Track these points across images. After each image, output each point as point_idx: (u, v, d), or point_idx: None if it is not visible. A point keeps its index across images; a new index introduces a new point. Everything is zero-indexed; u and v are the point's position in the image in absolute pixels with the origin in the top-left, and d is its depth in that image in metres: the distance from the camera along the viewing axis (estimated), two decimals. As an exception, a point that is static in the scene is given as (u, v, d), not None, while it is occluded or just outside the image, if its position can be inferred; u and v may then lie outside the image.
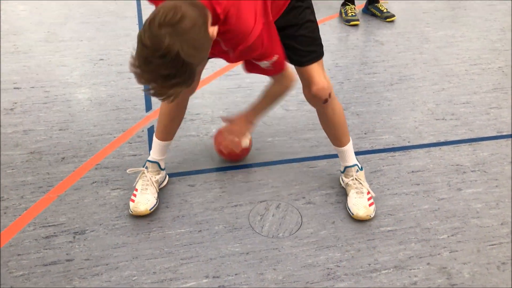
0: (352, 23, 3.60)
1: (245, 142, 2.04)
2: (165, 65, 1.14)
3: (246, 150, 2.13)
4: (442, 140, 2.39)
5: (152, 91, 1.23)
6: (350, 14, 3.62)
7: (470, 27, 3.66)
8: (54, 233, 1.79)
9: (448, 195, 2.04)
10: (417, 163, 2.22)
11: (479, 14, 3.90)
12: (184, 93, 1.80)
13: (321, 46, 1.68)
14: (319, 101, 1.72)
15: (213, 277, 1.64)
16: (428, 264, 1.71)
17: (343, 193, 2.01)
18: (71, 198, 1.95)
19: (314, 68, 1.63)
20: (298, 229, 1.85)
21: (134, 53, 1.19)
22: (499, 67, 3.10)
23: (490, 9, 4.00)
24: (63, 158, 2.18)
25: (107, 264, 1.67)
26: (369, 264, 1.70)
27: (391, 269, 1.69)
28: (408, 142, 2.37)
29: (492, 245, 1.80)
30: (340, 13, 3.71)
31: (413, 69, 3.05)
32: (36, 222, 1.84)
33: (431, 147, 2.33)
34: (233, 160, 2.15)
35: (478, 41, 3.44)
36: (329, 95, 1.70)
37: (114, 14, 3.69)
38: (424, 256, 1.74)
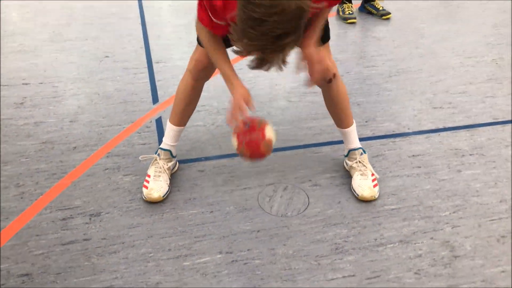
0: (349, 21, 3.70)
1: (271, 133, 1.61)
2: (283, 22, 1.09)
3: (271, 144, 1.61)
4: (440, 126, 2.47)
5: (257, 60, 1.18)
6: (347, 12, 3.72)
7: (464, 23, 3.77)
8: (71, 215, 1.85)
9: (449, 176, 2.11)
10: (417, 148, 2.30)
11: (471, 12, 4.02)
12: (201, 78, 1.88)
13: (329, 30, 1.77)
14: (324, 80, 1.80)
15: (226, 252, 1.70)
16: (431, 238, 1.78)
17: (348, 176, 2.08)
18: (85, 184, 2.02)
19: (323, 49, 1.70)
20: (306, 208, 1.92)
21: (233, 28, 1.15)
22: (493, 59, 3.20)
23: (482, 7, 4.11)
24: (75, 147, 2.24)
25: (123, 243, 1.73)
26: (375, 239, 1.77)
27: (397, 243, 1.76)
28: (408, 129, 2.45)
29: (492, 220, 1.88)
30: (338, 11, 3.81)
31: (410, 62, 3.14)
32: (52, 206, 1.89)
33: (430, 133, 2.41)
34: (255, 159, 1.67)
35: (472, 36, 3.54)
36: (334, 75, 1.78)
37: (116, 15, 3.77)
38: (428, 231, 1.81)
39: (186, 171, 2.11)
